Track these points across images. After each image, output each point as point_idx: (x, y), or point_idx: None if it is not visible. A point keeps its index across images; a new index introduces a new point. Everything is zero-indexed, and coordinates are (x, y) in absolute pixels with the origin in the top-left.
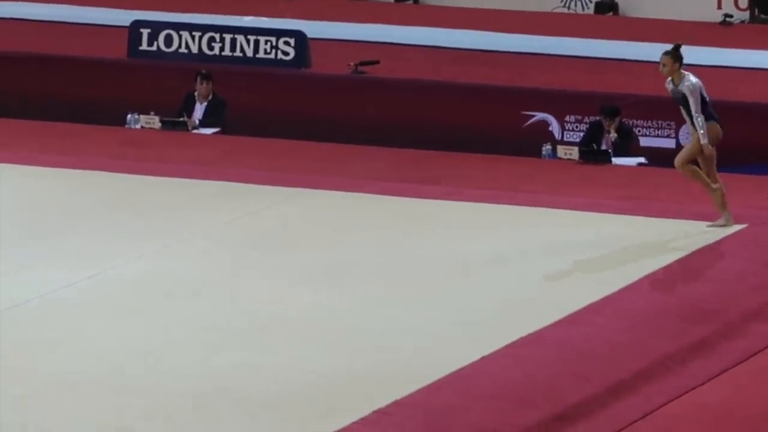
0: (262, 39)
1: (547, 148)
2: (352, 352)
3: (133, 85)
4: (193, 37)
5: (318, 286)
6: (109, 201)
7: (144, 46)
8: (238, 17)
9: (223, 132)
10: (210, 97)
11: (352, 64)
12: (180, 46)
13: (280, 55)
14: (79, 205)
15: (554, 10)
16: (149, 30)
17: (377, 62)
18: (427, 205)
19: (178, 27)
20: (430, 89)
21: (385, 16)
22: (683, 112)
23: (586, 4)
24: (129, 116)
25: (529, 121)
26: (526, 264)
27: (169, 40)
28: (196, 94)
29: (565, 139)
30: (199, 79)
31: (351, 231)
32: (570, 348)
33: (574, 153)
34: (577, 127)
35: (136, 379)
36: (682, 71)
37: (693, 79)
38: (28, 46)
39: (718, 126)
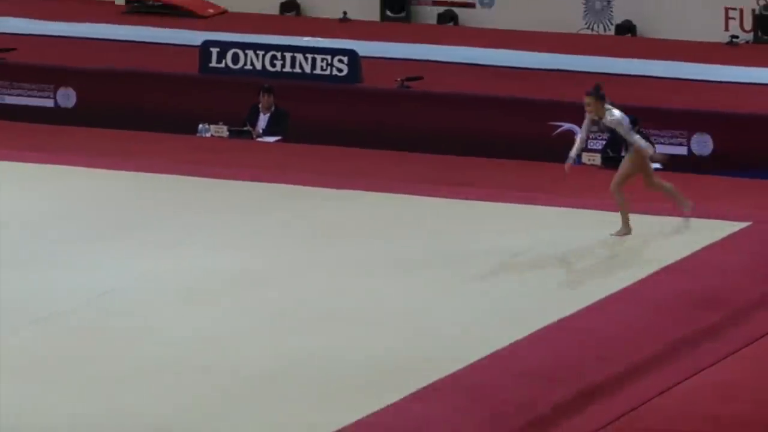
0: (318, 57)
1: None
2: (403, 336)
3: (204, 98)
4: (257, 55)
5: (371, 277)
6: (182, 201)
7: (214, 63)
8: (297, 38)
9: (284, 140)
10: (272, 109)
11: (398, 79)
12: (246, 63)
13: (334, 72)
14: (156, 205)
15: (579, 32)
16: (218, 49)
17: (421, 78)
18: (465, 205)
19: (244, 46)
20: (469, 102)
21: (428, 37)
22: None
23: (607, 26)
24: (200, 126)
25: (557, 131)
26: (553, 258)
27: (236, 58)
28: (260, 106)
29: (589, 147)
30: (262, 92)
31: (399, 228)
32: (594, 333)
33: (597, 159)
34: (599, 136)
35: (210, 363)
36: (606, 106)
37: (616, 113)
38: (114, 62)
39: (651, 146)
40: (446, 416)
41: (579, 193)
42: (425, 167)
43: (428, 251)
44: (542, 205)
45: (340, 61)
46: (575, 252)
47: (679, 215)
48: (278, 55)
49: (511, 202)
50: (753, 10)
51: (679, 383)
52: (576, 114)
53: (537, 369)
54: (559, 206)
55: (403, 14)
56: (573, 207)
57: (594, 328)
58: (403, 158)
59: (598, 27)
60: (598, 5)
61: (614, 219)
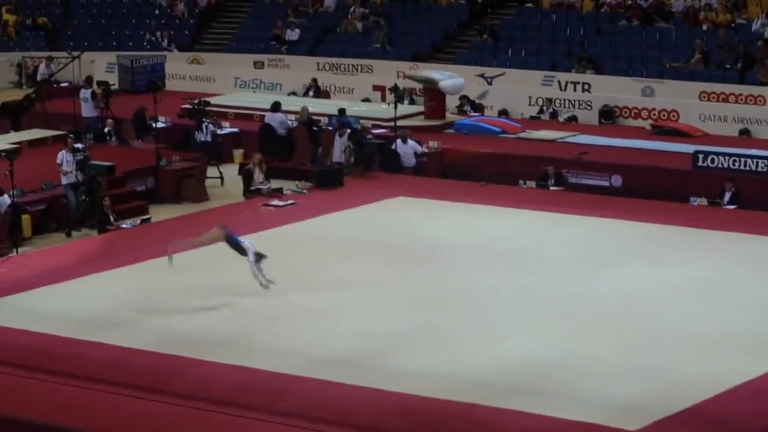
0: (760, 161)
1: None
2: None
3: (693, 182)
4: (725, 158)
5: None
6: (677, 240)
7: (700, 163)
8: (746, 149)
9: (738, 209)
10: (732, 191)
11: None
12: (718, 163)
13: None
14: (654, 242)
15: None
16: (703, 154)
17: None
18: None
19: (718, 154)
20: None
21: None
22: None
23: None
24: (691, 198)
25: None
26: None
27: (713, 160)
28: (725, 188)
29: None
30: (727, 180)
31: None
32: None
33: None
34: None
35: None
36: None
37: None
38: (657, 163)
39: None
40: None
41: None
42: None
43: None
44: None
45: None
46: None
47: None
48: (737, 159)
49: None
50: None
51: None
52: None
53: None
54: None
55: None
56: None
57: None
58: None
59: None
60: None
61: None
